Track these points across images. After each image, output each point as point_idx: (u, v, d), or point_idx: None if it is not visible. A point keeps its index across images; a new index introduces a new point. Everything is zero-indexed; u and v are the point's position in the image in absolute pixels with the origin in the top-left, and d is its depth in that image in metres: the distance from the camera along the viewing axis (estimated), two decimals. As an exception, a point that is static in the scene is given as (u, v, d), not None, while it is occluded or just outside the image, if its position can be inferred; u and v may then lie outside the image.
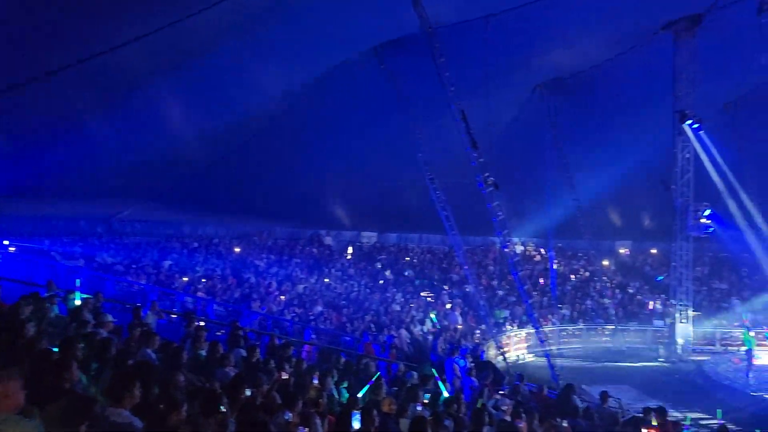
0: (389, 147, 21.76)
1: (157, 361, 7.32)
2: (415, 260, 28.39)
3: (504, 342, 21.31)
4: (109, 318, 9.10)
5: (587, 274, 29.62)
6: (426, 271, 27.32)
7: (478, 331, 21.55)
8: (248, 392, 6.12)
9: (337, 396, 8.70)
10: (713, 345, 24.37)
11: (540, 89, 23.87)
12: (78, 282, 11.36)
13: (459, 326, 21.10)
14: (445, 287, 25.45)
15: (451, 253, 26.64)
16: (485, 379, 12.65)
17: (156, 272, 18.63)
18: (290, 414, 5.99)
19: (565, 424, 9.52)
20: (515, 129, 24.10)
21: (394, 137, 21.05)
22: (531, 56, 21.06)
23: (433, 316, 21.27)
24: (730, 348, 23.62)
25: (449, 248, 27.10)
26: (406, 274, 26.41)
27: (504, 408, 10.37)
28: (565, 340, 24.41)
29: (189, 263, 20.49)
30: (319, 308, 19.38)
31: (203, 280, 19.32)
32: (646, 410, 10.44)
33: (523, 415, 9.37)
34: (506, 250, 19.70)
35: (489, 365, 15.33)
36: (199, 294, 17.85)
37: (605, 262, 30.51)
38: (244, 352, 9.24)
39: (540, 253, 30.33)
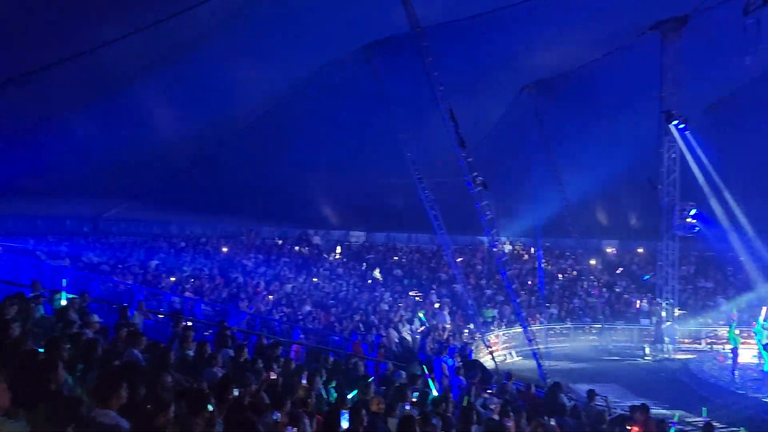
0: (378, 146, 21.76)
1: (144, 362, 7.27)
2: (403, 260, 28.41)
3: (492, 341, 21.40)
4: (96, 318, 9.03)
5: (575, 273, 29.80)
6: (414, 270, 27.35)
7: (466, 330, 21.61)
8: (236, 392, 6.09)
9: (325, 396, 8.68)
10: (699, 343, 24.64)
11: (528, 89, 23.96)
12: (64, 282, 11.23)
13: (447, 325, 21.15)
14: (434, 286, 25.49)
15: (440, 253, 26.71)
16: (473, 378, 12.70)
17: (143, 272, 18.49)
18: (279, 414, 5.98)
19: (552, 422, 9.58)
20: (503, 129, 24.19)
21: (383, 136, 21.05)
22: (518, 56, 21.13)
23: (421, 315, 21.31)
24: (715, 346, 23.89)
25: (438, 247, 27.17)
26: (395, 273, 26.43)
27: (492, 407, 10.40)
28: (553, 339, 24.56)
29: (176, 263, 20.35)
30: (308, 308, 19.33)
31: (191, 279, 19.20)
32: (633, 408, 10.56)
33: (511, 413, 9.42)
34: (494, 249, 19.76)
35: (477, 364, 15.39)
36: (187, 294, 17.73)
37: (592, 261, 30.71)
38: (231, 352, 9.20)
39: (528, 253, 30.46)
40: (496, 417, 9.12)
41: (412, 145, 20.53)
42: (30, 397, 4.14)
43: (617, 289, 28.70)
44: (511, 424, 8.94)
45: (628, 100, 23.22)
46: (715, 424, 10.93)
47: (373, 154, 22.35)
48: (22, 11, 11.75)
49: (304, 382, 8.16)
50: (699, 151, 23.22)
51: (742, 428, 11.42)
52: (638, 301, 27.18)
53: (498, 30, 18.80)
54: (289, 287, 21.08)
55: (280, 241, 26.61)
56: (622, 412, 11.55)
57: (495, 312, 24.25)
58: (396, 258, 28.39)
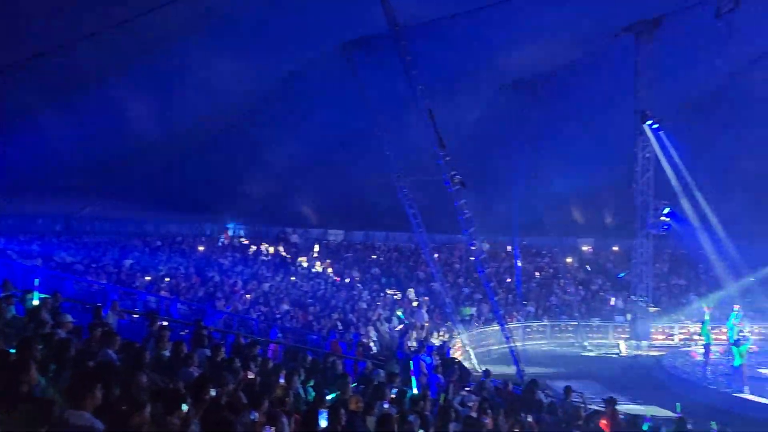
0: (356, 145, 21.73)
1: (119, 362, 7.17)
2: (381, 258, 28.42)
3: (470, 339, 21.51)
4: (69, 318, 8.87)
5: (551, 271, 30.08)
6: (393, 268, 27.38)
7: (444, 329, 21.69)
8: (213, 392, 6.03)
9: (303, 395, 8.65)
10: (672, 340, 25.07)
11: (506, 89, 24.11)
12: (36, 281, 11.02)
13: (426, 324, 21.20)
14: (412, 285, 25.53)
15: (418, 251, 26.75)
16: (451, 376, 12.75)
17: (117, 271, 18.24)
18: (256, 413, 5.94)
19: (530, 419, 9.68)
20: (481, 128, 24.30)
21: (362, 135, 21.02)
22: (496, 56, 21.26)
23: (400, 313, 21.34)
24: (687, 342, 24.31)
25: (416, 246, 27.20)
26: (373, 271, 26.42)
27: (470, 404, 10.46)
28: (530, 336, 24.78)
29: (151, 262, 20.10)
30: (286, 307, 19.25)
31: (166, 279, 18.99)
32: (608, 401, 10.90)
33: (489, 411, 9.48)
34: (472, 247, 19.86)
35: (455, 362, 15.46)
36: (162, 293, 17.54)
37: (569, 260, 31.04)
38: (208, 352, 9.11)
39: (505, 251, 30.66)
40: (474, 414, 9.17)
41: (391, 144, 20.54)
42: (1, 399, 4.05)
43: (593, 287, 29.05)
44: (488, 421, 9.01)
45: (605, 101, 23.52)
46: (687, 418, 11.12)
47: (352, 152, 22.32)
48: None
49: (282, 381, 8.11)
50: (672, 151, 23.62)
51: (713, 422, 11.62)
52: (613, 299, 27.56)
53: (476, 30, 18.92)
54: (266, 286, 20.95)
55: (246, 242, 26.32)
56: (598, 408, 11.71)
57: (473, 310, 24.39)
58: (374, 256, 28.39)
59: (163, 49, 15.40)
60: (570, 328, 25.68)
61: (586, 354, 23.75)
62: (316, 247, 27.32)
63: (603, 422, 10.37)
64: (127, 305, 14.72)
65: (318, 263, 25.28)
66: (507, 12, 17.70)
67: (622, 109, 23.21)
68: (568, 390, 12.09)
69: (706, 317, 20.43)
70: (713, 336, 19.89)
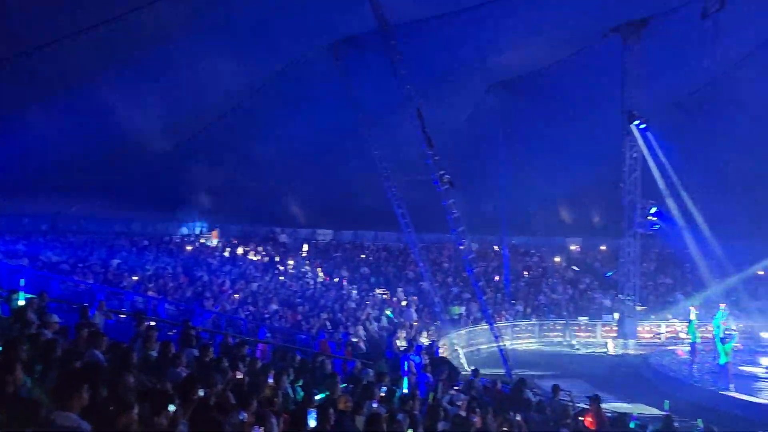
0: (345, 144, 21.69)
1: (106, 362, 7.11)
2: (370, 258, 28.41)
3: (459, 338, 21.56)
4: (55, 318, 8.79)
5: (540, 270, 30.22)
6: (382, 268, 27.38)
7: (433, 328, 21.72)
8: (201, 392, 6.00)
9: (292, 395, 8.63)
10: (659, 338, 25.27)
11: (494, 88, 24.18)
12: (22, 281, 10.91)
13: (415, 323, 21.23)
14: (401, 284, 25.55)
15: (407, 251, 26.77)
16: (440, 375, 12.77)
17: (104, 271, 18.10)
18: (245, 414, 5.92)
19: (518, 417, 9.71)
20: (470, 127, 24.36)
21: (350, 134, 20.99)
22: (485, 56, 21.31)
23: (389, 312, 21.34)
24: (674, 341, 24.51)
25: (405, 245, 27.21)
26: (362, 271, 26.41)
27: (459, 403, 10.48)
28: (519, 335, 24.88)
29: (139, 261, 19.97)
30: (274, 306, 19.19)
31: (154, 278, 18.86)
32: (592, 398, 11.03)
33: (478, 409, 9.51)
34: (461, 247, 19.90)
35: (444, 361, 15.49)
36: (150, 293, 17.43)
37: (557, 259, 31.19)
38: (196, 352, 9.07)
39: (494, 250, 30.77)
40: (462, 413, 9.19)
41: (379, 143, 20.52)
42: (-14, 400, 4.01)
43: (581, 286, 29.21)
44: (477, 420, 9.04)
45: (592, 101, 23.64)
46: (674, 416, 11.23)
47: (341, 152, 22.29)
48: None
49: (270, 381, 8.08)
50: (658, 151, 23.81)
51: (699, 420, 11.73)
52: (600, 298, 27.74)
53: (465, 29, 18.93)
54: (255, 286, 20.88)
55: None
56: (585, 407, 11.79)
57: (462, 309, 24.44)
58: (363, 256, 28.38)
59: (149, 47, 15.28)
60: (558, 327, 25.80)
61: (574, 353, 23.88)
62: (305, 247, 27.27)
63: (588, 420, 10.48)
64: (115, 305, 14.61)
65: (306, 264, 25.15)
66: (496, 12, 17.76)
67: (609, 109, 23.34)
68: (556, 389, 12.16)
69: (693, 316, 20.60)
70: (699, 334, 20.06)
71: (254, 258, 24.50)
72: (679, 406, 14.00)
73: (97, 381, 4.90)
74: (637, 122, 22.84)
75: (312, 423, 6.30)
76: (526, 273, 29.78)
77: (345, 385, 9.62)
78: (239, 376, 8.22)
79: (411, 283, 25.88)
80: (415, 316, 22.00)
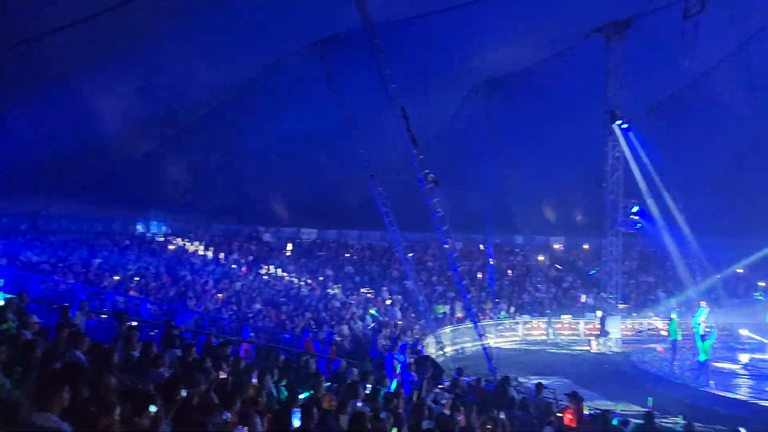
0: (329, 143, 21.63)
1: (87, 363, 7.03)
2: (355, 257, 28.39)
3: (443, 336, 21.61)
4: (35, 319, 8.67)
5: (524, 269, 30.39)
6: (366, 267, 27.36)
7: (417, 326, 21.75)
8: (185, 392, 5.95)
9: (276, 394, 8.59)
10: (640, 335, 25.55)
11: (478, 88, 24.26)
12: (1, 282, 10.77)
13: (399, 322, 21.25)
14: (385, 283, 25.55)
15: (391, 250, 26.78)
16: (425, 374, 12.80)
17: (85, 271, 17.87)
18: (228, 413, 5.88)
19: (502, 415, 9.75)
20: (454, 127, 24.42)
21: (334, 133, 20.92)
22: (469, 55, 21.35)
23: (373, 311, 21.32)
24: (655, 339, 24.79)
25: (389, 244, 27.22)
26: (347, 270, 26.37)
27: (443, 401, 10.51)
28: (503, 333, 25.01)
29: (120, 261, 19.74)
30: (258, 306, 19.09)
31: (135, 278, 18.67)
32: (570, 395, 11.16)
33: (462, 408, 9.54)
34: (445, 246, 19.94)
35: (428, 360, 15.52)
36: (132, 293, 17.25)
37: (540, 258, 31.39)
38: (179, 352, 8.99)
39: (478, 249, 30.88)
40: (447, 412, 9.22)
41: (364, 142, 20.49)
42: (-37, 402, 3.94)
43: (564, 285, 29.43)
44: (461, 418, 9.06)
45: (576, 100, 23.80)
46: (655, 412, 11.35)
47: (325, 150, 22.22)
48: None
49: (254, 380, 8.04)
50: (640, 151, 24.06)
51: (680, 416, 11.88)
52: (583, 296, 27.96)
53: (450, 29, 18.96)
54: (238, 285, 20.76)
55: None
56: (568, 405, 11.87)
57: (446, 308, 24.51)
58: (347, 255, 28.34)
59: (129, 45, 15.10)
60: (541, 325, 25.97)
61: (558, 351, 24.05)
62: (289, 246, 27.17)
63: (567, 416, 10.56)
64: (96, 305, 14.46)
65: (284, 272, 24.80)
66: (480, 12, 17.80)
67: (593, 109, 23.52)
68: (539, 386, 12.25)
69: (674, 315, 20.87)
70: (680, 332, 20.31)
71: (238, 258, 24.29)
72: (661, 403, 14.15)
73: (78, 382, 4.84)
74: (619, 122, 23.06)
75: (296, 422, 6.28)
76: (509, 271, 29.94)
77: (329, 384, 9.60)
78: (223, 375, 8.17)
79: (395, 281, 25.89)
80: (399, 314, 22.02)
